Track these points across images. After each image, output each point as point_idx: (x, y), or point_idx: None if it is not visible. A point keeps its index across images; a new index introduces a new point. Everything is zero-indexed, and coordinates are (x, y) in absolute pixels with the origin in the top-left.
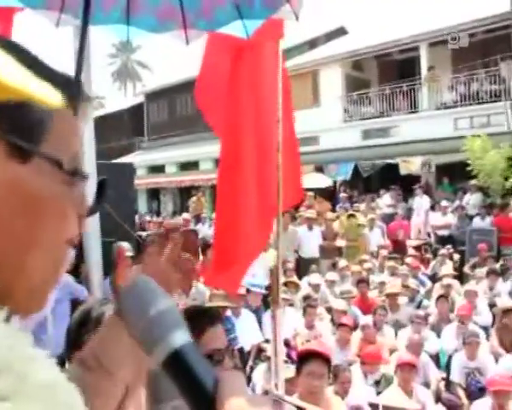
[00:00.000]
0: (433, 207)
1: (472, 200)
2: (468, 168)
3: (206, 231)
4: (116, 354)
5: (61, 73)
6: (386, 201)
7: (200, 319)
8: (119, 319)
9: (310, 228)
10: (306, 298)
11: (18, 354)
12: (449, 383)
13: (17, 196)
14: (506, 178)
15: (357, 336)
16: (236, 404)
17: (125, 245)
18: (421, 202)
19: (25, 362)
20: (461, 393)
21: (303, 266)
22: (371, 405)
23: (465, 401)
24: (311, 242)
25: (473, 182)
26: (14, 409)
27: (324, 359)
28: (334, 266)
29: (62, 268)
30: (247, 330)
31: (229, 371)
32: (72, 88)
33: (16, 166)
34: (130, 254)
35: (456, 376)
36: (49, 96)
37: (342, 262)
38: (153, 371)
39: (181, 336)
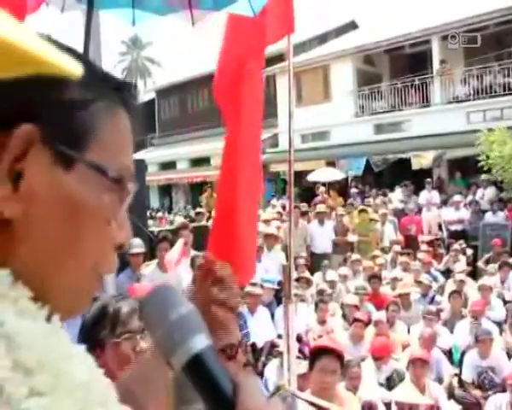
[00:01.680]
0: (445, 202)
1: (486, 194)
2: (482, 162)
3: None
4: (151, 389)
5: (112, 74)
6: (398, 196)
7: None
8: (158, 355)
9: (321, 223)
10: (319, 293)
11: (56, 353)
12: (462, 380)
13: (61, 203)
14: None
15: (370, 332)
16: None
17: (137, 241)
18: (429, 197)
19: (61, 361)
20: (474, 391)
21: (315, 262)
22: (384, 401)
23: (479, 398)
24: (323, 237)
25: (483, 177)
26: (48, 405)
27: (336, 355)
28: (345, 262)
29: (108, 272)
30: (261, 327)
31: (247, 376)
32: (129, 90)
33: (61, 174)
34: (141, 250)
35: (468, 375)
36: (70, 65)
37: (354, 256)
38: (176, 373)
39: (201, 341)
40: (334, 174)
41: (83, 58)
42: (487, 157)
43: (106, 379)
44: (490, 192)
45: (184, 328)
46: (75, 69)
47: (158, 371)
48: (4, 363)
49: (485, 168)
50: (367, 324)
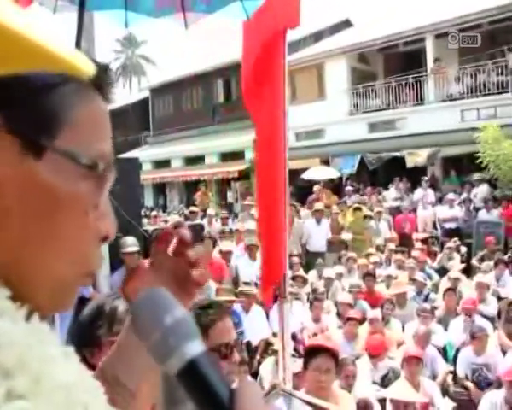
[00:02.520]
0: (439, 200)
1: (479, 193)
2: (478, 160)
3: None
4: (133, 369)
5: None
6: (392, 194)
7: (208, 313)
8: (133, 334)
9: (318, 221)
10: (314, 291)
11: (36, 354)
12: (456, 377)
13: (33, 195)
14: None
15: (364, 329)
16: None
17: (131, 240)
18: (424, 194)
19: (42, 362)
20: (470, 385)
21: (309, 260)
22: (379, 399)
23: (473, 395)
24: (319, 235)
25: (476, 176)
26: (27, 409)
27: (331, 353)
28: (339, 260)
29: (92, 266)
30: (256, 325)
31: (245, 382)
32: (104, 72)
33: (31, 164)
34: (135, 249)
35: (463, 371)
36: (82, 64)
37: (349, 254)
38: (166, 375)
39: (196, 346)
40: (329, 173)
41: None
42: (485, 154)
43: (95, 381)
44: (483, 190)
45: (180, 333)
46: (87, 68)
47: (137, 351)
48: None
49: (483, 166)
50: (361, 322)
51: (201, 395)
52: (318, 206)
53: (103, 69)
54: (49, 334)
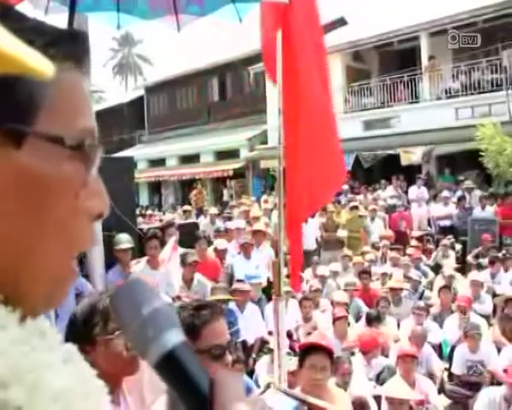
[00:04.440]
0: (434, 198)
1: (473, 196)
2: (472, 158)
3: (207, 224)
4: None
5: (58, 26)
6: (388, 192)
7: (201, 313)
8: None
9: (305, 220)
10: (310, 290)
11: (32, 362)
12: (451, 374)
13: (18, 186)
14: None
15: (359, 327)
16: (235, 408)
17: (125, 237)
18: (418, 192)
19: (38, 370)
20: (465, 378)
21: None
22: (374, 397)
23: (468, 392)
24: (307, 234)
25: (471, 174)
26: None
27: (326, 351)
28: (335, 258)
29: (85, 246)
30: (252, 324)
31: (225, 372)
32: (76, 41)
33: (12, 153)
34: (129, 245)
35: (458, 368)
36: (41, 64)
37: (345, 251)
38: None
39: (175, 336)
40: None
41: (19, 13)
42: (485, 151)
43: (97, 382)
44: (476, 195)
45: (158, 323)
46: (46, 69)
47: None
48: None
49: (479, 163)
50: (356, 319)
51: (181, 384)
52: None
53: (77, 37)
54: (44, 337)
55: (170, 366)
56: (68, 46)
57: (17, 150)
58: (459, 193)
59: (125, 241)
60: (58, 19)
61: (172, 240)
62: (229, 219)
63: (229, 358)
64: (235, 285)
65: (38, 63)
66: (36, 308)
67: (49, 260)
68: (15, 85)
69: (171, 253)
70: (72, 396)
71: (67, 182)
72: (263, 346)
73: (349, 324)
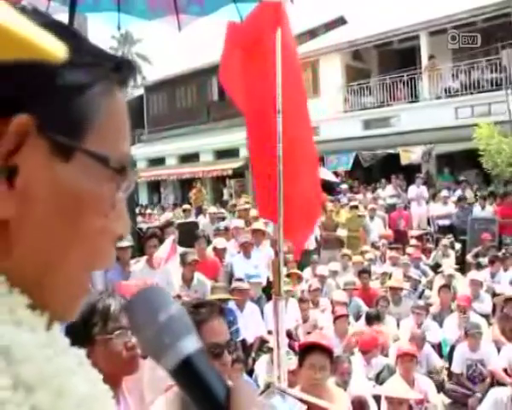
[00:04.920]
0: (433, 197)
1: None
2: (471, 157)
3: (206, 223)
4: None
5: (108, 52)
6: (388, 191)
7: (199, 311)
8: None
9: None
10: (310, 289)
11: (56, 366)
12: (451, 373)
13: (59, 198)
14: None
15: (358, 326)
16: None
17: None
18: (418, 191)
19: (62, 374)
20: (465, 382)
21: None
22: (374, 396)
23: (468, 391)
24: None
25: (470, 173)
26: None
27: (326, 351)
28: (335, 258)
29: (105, 265)
30: (251, 323)
31: (241, 381)
32: (129, 68)
33: (59, 166)
34: (128, 243)
35: (458, 367)
36: (54, 48)
37: (344, 251)
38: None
39: (191, 343)
40: (324, 174)
41: (77, 35)
42: (483, 151)
43: (104, 386)
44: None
45: (174, 330)
46: (58, 52)
47: None
48: (5, 382)
49: (478, 163)
50: (356, 318)
51: (197, 392)
52: None
53: (128, 65)
54: (63, 342)
55: (186, 374)
56: (123, 73)
57: (64, 164)
58: (458, 192)
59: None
60: (58, 19)
61: (170, 239)
62: (223, 219)
63: (228, 357)
64: (235, 284)
65: (52, 46)
66: (54, 318)
67: (72, 274)
68: (72, 101)
69: (168, 252)
70: (92, 400)
71: (102, 201)
72: (262, 345)
73: (349, 323)
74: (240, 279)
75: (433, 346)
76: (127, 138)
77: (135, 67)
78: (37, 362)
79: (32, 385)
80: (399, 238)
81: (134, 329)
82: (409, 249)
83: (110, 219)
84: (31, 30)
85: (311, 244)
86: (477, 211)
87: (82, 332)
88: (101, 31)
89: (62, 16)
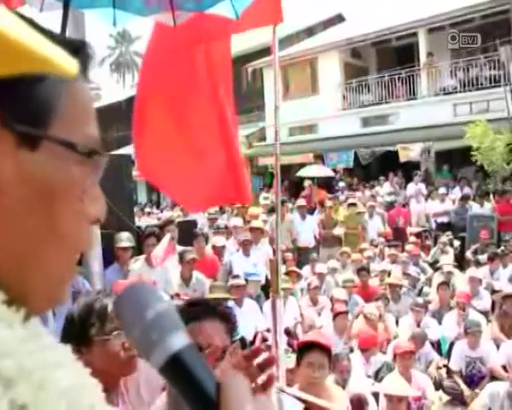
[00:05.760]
0: (432, 194)
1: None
2: (470, 154)
3: (205, 221)
4: None
5: (68, 36)
6: (387, 188)
7: (189, 309)
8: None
9: (303, 217)
10: (309, 288)
11: (37, 360)
12: (450, 370)
13: (31, 188)
14: (508, 163)
15: (357, 324)
16: None
17: (126, 235)
18: (417, 189)
19: (43, 368)
20: (460, 381)
21: (297, 256)
22: (372, 392)
23: (465, 388)
24: (305, 231)
25: (469, 170)
26: None
27: (324, 349)
28: (333, 256)
29: (84, 249)
30: (250, 320)
31: (231, 374)
32: (84, 51)
33: (26, 155)
34: (129, 244)
35: (457, 364)
36: (67, 63)
37: (343, 248)
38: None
39: (180, 339)
40: (324, 171)
41: (30, 22)
42: (477, 149)
43: (92, 380)
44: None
45: (162, 326)
46: (71, 68)
47: None
48: None
49: (474, 160)
50: (356, 316)
51: (187, 387)
52: (301, 202)
53: (85, 47)
54: (46, 337)
55: (175, 370)
56: (78, 56)
57: (31, 153)
58: (457, 189)
59: (124, 239)
60: (53, 16)
61: (168, 237)
62: (215, 219)
63: (231, 360)
64: (231, 281)
65: (64, 62)
66: (37, 308)
67: (52, 261)
68: (34, 90)
69: (166, 250)
70: (77, 392)
71: (74, 187)
72: (262, 342)
73: (348, 320)
74: (236, 276)
75: (432, 343)
76: (93, 123)
77: (91, 50)
78: (18, 357)
79: (12, 379)
80: (398, 236)
81: (123, 327)
82: (408, 247)
83: (85, 203)
84: (41, 44)
85: (310, 242)
86: (476, 208)
87: (79, 332)
88: (98, 29)
89: (58, 13)
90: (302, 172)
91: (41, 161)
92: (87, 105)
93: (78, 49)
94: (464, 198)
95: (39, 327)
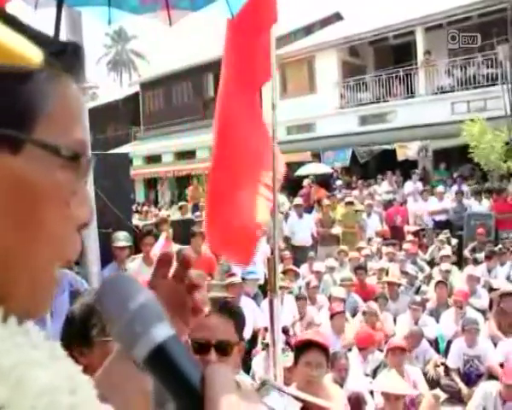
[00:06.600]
0: (423, 192)
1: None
2: (467, 153)
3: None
4: (122, 394)
5: (58, 38)
6: (384, 187)
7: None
8: (124, 355)
9: (300, 216)
10: (308, 286)
11: (15, 359)
12: (448, 369)
13: (13, 192)
14: (505, 162)
15: (355, 322)
16: (225, 401)
17: (123, 235)
18: (414, 187)
19: (23, 367)
20: (457, 379)
21: (295, 255)
22: (371, 392)
23: (462, 386)
24: (302, 230)
25: (466, 168)
26: None
27: (322, 348)
28: (331, 254)
29: (71, 254)
30: (246, 318)
31: (215, 365)
32: (75, 53)
33: (8, 159)
34: (127, 243)
35: (454, 362)
36: (29, 53)
37: (341, 247)
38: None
39: (163, 330)
40: (321, 168)
41: (17, 22)
42: (474, 147)
43: (83, 377)
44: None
45: (145, 318)
46: (34, 57)
47: (128, 376)
48: None
49: (471, 158)
50: (353, 315)
51: (170, 379)
52: (298, 201)
53: (74, 49)
54: (28, 335)
55: (159, 361)
56: (68, 58)
57: (13, 157)
58: (455, 188)
59: (121, 238)
60: (48, 13)
61: (164, 236)
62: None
63: (214, 357)
64: (228, 279)
65: (27, 52)
66: (18, 311)
67: (35, 265)
68: (15, 92)
69: (161, 249)
70: (58, 392)
71: (59, 191)
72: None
73: (346, 319)
74: (232, 274)
75: (429, 341)
76: (80, 126)
77: (81, 51)
78: None
79: None
80: (396, 234)
81: (105, 320)
82: (405, 245)
83: (72, 207)
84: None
85: (307, 241)
86: (473, 206)
87: (80, 333)
88: (94, 28)
89: (52, 10)
90: (301, 171)
91: (24, 164)
92: (75, 107)
93: (65, 49)
94: (459, 193)
95: (27, 326)
